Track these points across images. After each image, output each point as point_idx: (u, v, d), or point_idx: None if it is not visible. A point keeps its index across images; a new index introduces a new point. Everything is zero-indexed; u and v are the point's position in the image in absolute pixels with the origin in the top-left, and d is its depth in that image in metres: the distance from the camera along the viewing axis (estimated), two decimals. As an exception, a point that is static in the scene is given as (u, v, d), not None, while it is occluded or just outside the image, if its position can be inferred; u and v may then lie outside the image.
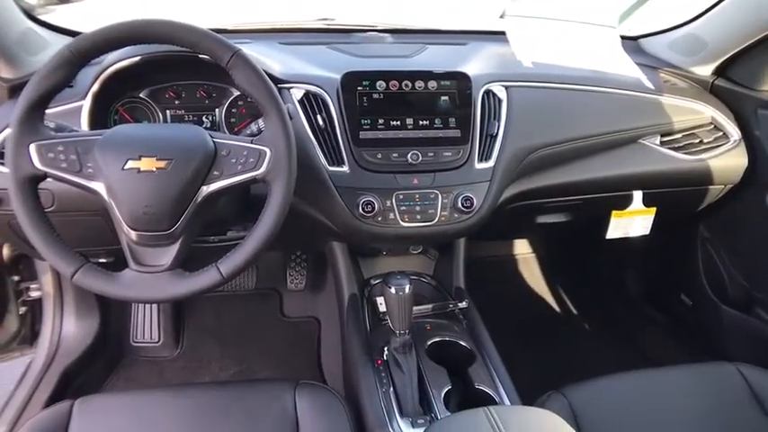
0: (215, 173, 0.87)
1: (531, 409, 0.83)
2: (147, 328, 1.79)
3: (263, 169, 0.87)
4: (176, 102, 1.17)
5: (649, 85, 1.40)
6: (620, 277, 1.89)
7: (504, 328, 1.32)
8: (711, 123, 1.43)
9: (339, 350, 1.41)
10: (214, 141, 0.88)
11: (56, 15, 1.36)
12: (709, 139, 1.41)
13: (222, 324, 1.87)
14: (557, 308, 1.94)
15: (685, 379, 1.13)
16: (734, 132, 1.42)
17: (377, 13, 1.63)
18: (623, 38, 1.57)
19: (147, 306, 1.81)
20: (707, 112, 1.42)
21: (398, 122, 1.14)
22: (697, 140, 1.41)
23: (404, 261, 1.45)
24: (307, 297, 1.94)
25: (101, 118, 1.11)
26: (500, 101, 1.22)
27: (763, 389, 1.10)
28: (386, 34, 1.49)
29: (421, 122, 1.15)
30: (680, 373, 1.15)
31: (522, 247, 2.02)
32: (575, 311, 1.92)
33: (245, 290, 1.95)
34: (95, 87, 1.07)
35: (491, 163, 1.17)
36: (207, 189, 0.87)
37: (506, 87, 1.24)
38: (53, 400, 1.46)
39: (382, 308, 1.29)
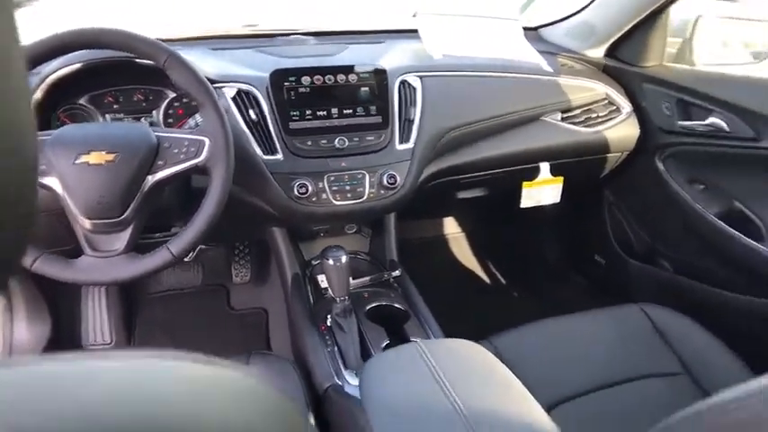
0: (159, 162, 0.96)
1: (456, 340, 0.93)
2: (98, 330, 1.83)
3: (203, 157, 0.97)
4: (115, 106, 1.25)
5: (549, 68, 1.56)
6: (541, 244, 2.05)
7: (436, 298, 1.44)
8: (605, 99, 1.60)
9: (287, 336, 1.50)
10: (156, 135, 0.97)
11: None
12: (604, 113, 1.58)
13: (173, 320, 1.92)
14: (486, 278, 2.09)
15: (597, 320, 1.28)
16: (625, 105, 1.60)
17: (298, 18, 1.74)
18: (525, 29, 1.74)
19: (98, 307, 1.84)
20: (601, 89, 1.59)
21: (325, 112, 1.26)
22: (594, 115, 1.58)
23: (340, 241, 1.55)
24: (252, 289, 2.01)
25: (44, 125, 1.17)
26: (415, 89, 1.35)
27: (664, 323, 1.26)
28: (308, 37, 1.60)
29: (345, 111, 1.27)
30: (592, 316, 1.29)
31: (450, 227, 2.16)
32: (503, 281, 2.07)
33: (192, 287, 2.01)
34: (37, 96, 1.13)
35: (410, 144, 1.31)
36: (153, 178, 0.96)
37: (420, 77, 1.37)
38: None
39: (323, 284, 1.40)
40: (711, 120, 1.41)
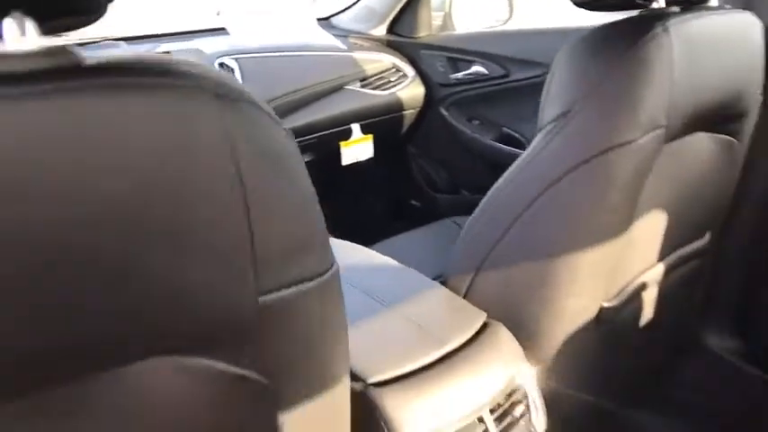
0: None
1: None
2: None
3: None
4: None
5: (343, 47, 1.85)
6: (367, 203, 2.32)
7: None
8: (393, 67, 1.91)
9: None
10: None
11: None
12: (394, 79, 1.89)
13: None
14: None
15: (424, 234, 1.56)
16: (410, 71, 1.93)
17: (105, 26, 1.82)
18: (319, 19, 2.03)
19: None
20: (387, 59, 1.90)
21: None
22: (386, 81, 1.87)
23: None
24: None
25: None
26: (233, 69, 1.55)
27: None
28: (119, 41, 1.71)
29: None
30: (420, 231, 1.58)
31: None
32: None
33: None
34: None
35: None
36: None
37: (236, 59, 1.58)
38: None
39: None
40: (474, 68, 1.80)
